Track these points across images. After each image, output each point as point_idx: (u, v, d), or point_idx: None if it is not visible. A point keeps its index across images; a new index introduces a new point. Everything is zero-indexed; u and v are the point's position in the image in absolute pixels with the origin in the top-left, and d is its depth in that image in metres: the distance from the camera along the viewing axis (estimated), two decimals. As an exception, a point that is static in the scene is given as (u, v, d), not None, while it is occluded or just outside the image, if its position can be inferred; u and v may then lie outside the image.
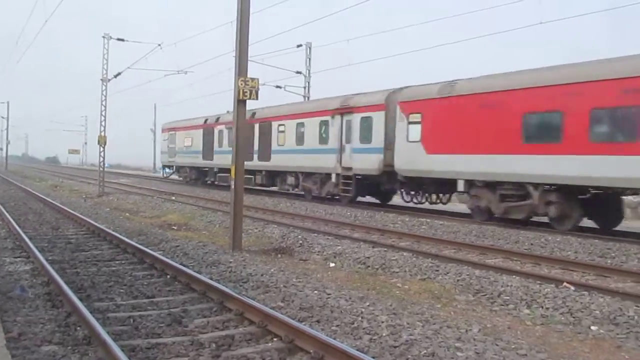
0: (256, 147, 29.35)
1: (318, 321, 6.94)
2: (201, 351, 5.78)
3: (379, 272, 10.71)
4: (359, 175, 22.83)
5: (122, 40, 30.18)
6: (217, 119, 34.40)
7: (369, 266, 11.14)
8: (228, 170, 30.50)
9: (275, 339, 6.18)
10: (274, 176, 28.85)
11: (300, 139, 26.24)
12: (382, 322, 6.96)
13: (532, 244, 13.69)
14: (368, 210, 21.36)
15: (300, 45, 36.64)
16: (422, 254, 12.14)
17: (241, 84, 12.46)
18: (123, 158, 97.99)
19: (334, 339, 6.00)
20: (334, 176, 23.86)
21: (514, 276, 9.99)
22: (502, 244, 13.77)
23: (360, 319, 7.08)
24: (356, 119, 22.62)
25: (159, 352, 5.70)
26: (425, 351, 5.93)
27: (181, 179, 41.71)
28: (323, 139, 24.56)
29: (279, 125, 27.91)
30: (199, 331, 6.44)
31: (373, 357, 5.54)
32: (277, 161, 27.83)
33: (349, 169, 22.94)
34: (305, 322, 6.80)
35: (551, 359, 6.03)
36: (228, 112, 30.47)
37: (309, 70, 37.48)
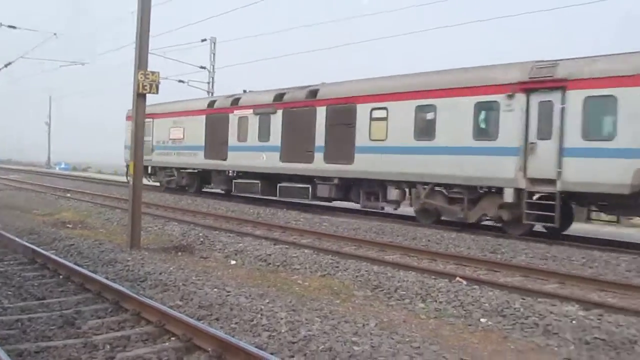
0: (320, 142, 20.39)
1: (217, 319, 6.90)
2: (94, 353, 5.60)
3: (280, 269, 10.76)
4: (575, 192, 14.43)
5: (14, 27, 28.67)
6: (236, 100, 24.76)
7: (270, 263, 11.17)
8: (252, 175, 23.35)
9: (172, 339, 6.09)
10: (353, 186, 19.95)
11: (425, 130, 17.37)
12: (282, 318, 7.01)
13: (429, 241, 14.20)
14: (270, 207, 21.38)
15: (205, 40, 36.17)
16: (323, 250, 12.31)
17: (141, 77, 12.12)
18: (14, 153, 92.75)
19: (233, 336, 5.99)
20: (508, 192, 15.13)
21: (410, 272, 10.34)
22: (401, 241, 14.20)
23: (259, 316, 7.09)
24: (572, 99, 14.16)
25: (49, 356, 5.48)
26: (323, 346, 6.03)
27: (158, 184, 29.90)
28: (483, 132, 16.12)
29: (374, 109, 18.77)
30: (92, 332, 6.22)
31: (272, 354, 5.57)
32: (367, 164, 18.77)
33: (548, 181, 14.50)
34: (204, 320, 6.74)
35: (443, 351, 6.28)
36: (245, 91, 24.95)
37: (214, 66, 37.08)
